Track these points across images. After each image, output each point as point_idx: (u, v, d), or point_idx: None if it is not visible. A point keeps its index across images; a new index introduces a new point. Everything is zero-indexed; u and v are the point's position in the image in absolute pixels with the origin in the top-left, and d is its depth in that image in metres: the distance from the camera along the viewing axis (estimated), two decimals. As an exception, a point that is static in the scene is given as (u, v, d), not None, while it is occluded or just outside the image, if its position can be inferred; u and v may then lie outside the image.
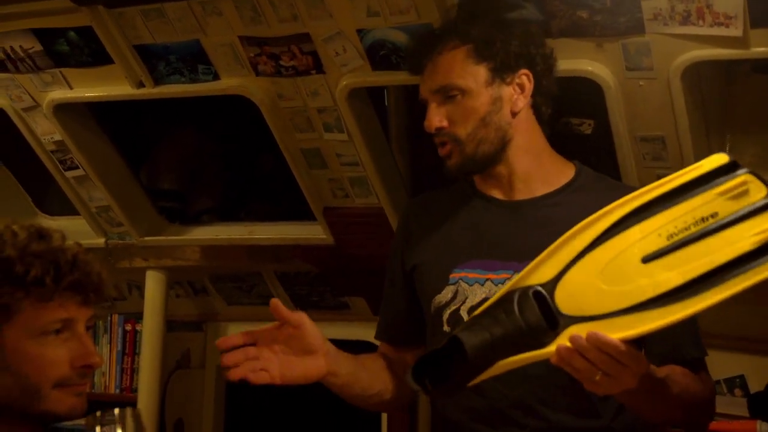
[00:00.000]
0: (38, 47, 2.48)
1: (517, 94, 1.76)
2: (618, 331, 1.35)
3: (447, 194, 1.89)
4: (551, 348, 1.39)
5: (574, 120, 2.61)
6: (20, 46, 2.49)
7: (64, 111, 2.66)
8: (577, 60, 2.06)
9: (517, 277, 1.44)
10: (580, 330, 1.37)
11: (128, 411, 1.45)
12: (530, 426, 1.70)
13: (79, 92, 2.59)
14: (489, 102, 1.74)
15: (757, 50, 1.88)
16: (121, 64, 2.45)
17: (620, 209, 1.40)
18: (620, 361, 1.36)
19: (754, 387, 2.47)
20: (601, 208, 1.54)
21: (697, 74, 2.06)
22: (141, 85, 2.50)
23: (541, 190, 1.78)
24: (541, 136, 1.81)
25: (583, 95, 2.25)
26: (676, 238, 1.35)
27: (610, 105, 2.12)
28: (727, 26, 1.85)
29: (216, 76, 2.43)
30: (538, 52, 1.78)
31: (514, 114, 1.76)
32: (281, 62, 2.33)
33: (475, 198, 1.82)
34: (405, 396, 1.88)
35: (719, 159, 1.37)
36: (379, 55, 2.23)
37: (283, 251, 2.89)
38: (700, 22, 1.87)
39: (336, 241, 2.74)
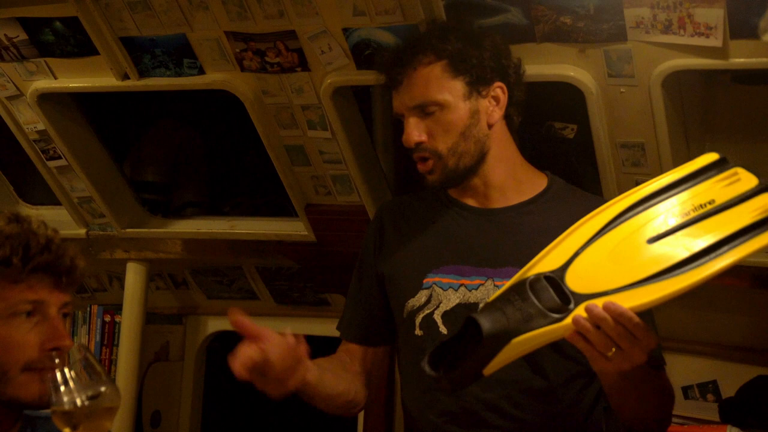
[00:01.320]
0: (23, 36, 2.47)
1: (492, 106, 1.78)
2: (628, 303, 1.38)
3: (421, 200, 1.90)
4: (566, 321, 1.39)
5: (558, 124, 2.64)
6: (5, 35, 2.48)
7: (47, 101, 2.65)
8: (559, 65, 2.08)
9: (525, 267, 1.46)
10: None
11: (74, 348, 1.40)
12: (503, 428, 1.71)
13: (64, 82, 2.59)
14: (467, 115, 1.76)
15: (737, 61, 1.90)
16: (107, 56, 2.45)
17: (620, 203, 1.47)
18: (634, 333, 1.37)
19: (726, 393, 2.49)
20: (572, 216, 1.59)
21: (677, 82, 2.08)
22: (126, 77, 2.50)
23: (515, 199, 1.81)
24: (513, 146, 1.84)
25: (567, 100, 2.27)
26: (677, 223, 1.41)
27: (591, 111, 2.14)
28: (708, 36, 1.87)
29: (201, 71, 2.43)
30: (509, 63, 1.81)
31: (490, 126, 1.79)
32: (266, 58, 2.33)
33: (449, 205, 1.84)
34: (365, 396, 1.88)
35: (711, 156, 1.48)
36: (364, 55, 2.24)
37: (265, 246, 2.90)
38: (681, 32, 1.89)
39: (317, 237, 2.74)
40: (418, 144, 1.77)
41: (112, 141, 2.98)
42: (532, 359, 1.70)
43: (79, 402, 1.32)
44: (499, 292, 1.45)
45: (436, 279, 1.76)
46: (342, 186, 2.60)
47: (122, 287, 3.08)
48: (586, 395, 1.76)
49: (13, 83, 2.63)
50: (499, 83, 1.78)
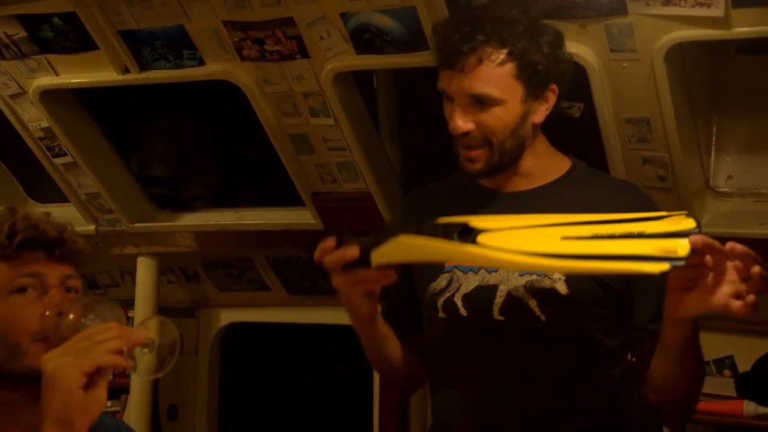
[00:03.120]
0: (23, 33, 2.47)
1: (541, 107, 1.75)
2: (509, 262, 1.46)
3: (446, 185, 1.90)
4: (460, 246, 1.48)
5: (564, 103, 2.61)
6: (5, 33, 2.48)
7: (50, 97, 2.66)
8: (560, 42, 2.05)
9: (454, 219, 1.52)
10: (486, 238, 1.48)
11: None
12: (524, 410, 1.70)
13: (65, 78, 2.59)
14: (519, 116, 1.73)
15: (739, 30, 1.87)
16: (106, 50, 2.44)
17: (570, 218, 1.50)
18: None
19: (743, 367, 2.47)
20: (593, 200, 1.66)
21: (681, 55, 2.05)
22: (126, 71, 2.50)
23: (537, 182, 1.80)
24: (542, 135, 1.82)
25: (573, 78, 2.24)
26: (598, 235, 1.44)
27: (594, 87, 2.12)
28: (709, 6, 1.84)
29: (201, 62, 2.42)
30: (565, 62, 1.76)
31: (534, 125, 1.77)
32: (266, 47, 2.32)
33: (473, 189, 1.83)
34: (405, 374, 1.90)
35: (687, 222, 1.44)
36: (363, 39, 2.22)
37: (273, 236, 2.89)
38: (682, 3, 1.86)
39: (325, 225, 2.73)
40: (467, 133, 1.74)
41: (118, 137, 2.98)
42: (549, 343, 1.69)
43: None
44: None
45: (457, 263, 1.76)
46: (347, 173, 2.59)
47: (134, 282, 3.09)
48: (608, 380, 1.74)
49: (15, 81, 2.63)
50: (553, 86, 1.75)
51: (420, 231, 1.51)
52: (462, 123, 1.72)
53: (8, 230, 1.43)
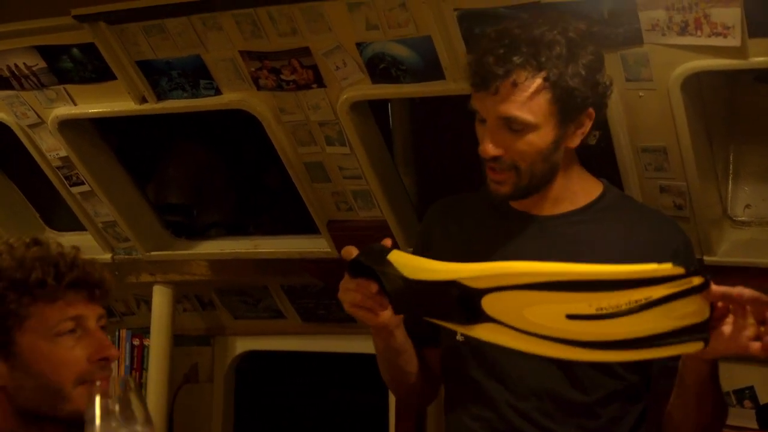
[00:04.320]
0: (42, 64, 2.50)
1: (577, 131, 1.72)
2: (524, 344, 1.49)
3: (471, 201, 1.87)
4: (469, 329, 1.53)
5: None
6: (24, 63, 2.51)
7: (68, 127, 2.68)
8: (576, 71, 2.05)
9: (463, 274, 1.51)
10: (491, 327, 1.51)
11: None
12: None
13: (83, 108, 2.61)
14: (552, 141, 1.69)
15: (756, 60, 1.86)
16: (124, 80, 2.47)
17: (571, 275, 1.46)
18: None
19: (764, 398, 2.44)
20: (623, 228, 1.67)
21: (698, 84, 2.04)
22: (144, 100, 2.51)
23: (566, 207, 1.78)
24: (576, 158, 1.80)
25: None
26: (604, 312, 1.42)
27: (610, 116, 2.10)
28: (725, 36, 1.83)
29: (218, 91, 2.44)
30: (603, 85, 1.72)
31: (567, 149, 1.74)
32: (282, 76, 2.33)
33: (499, 209, 1.81)
34: (433, 391, 1.92)
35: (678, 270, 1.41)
36: (379, 69, 2.23)
37: (289, 265, 2.89)
38: (698, 33, 1.86)
39: (340, 253, 2.73)
40: (496, 158, 1.71)
41: (135, 165, 3.00)
42: (570, 372, 1.68)
43: None
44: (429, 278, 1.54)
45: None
46: (363, 201, 2.59)
47: (149, 310, 3.09)
48: (627, 415, 1.73)
49: (34, 111, 2.66)
50: (590, 110, 1.71)
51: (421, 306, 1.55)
52: (491, 147, 1.69)
53: (54, 271, 1.43)
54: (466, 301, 1.51)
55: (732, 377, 2.45)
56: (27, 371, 1.41)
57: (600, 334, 1.43)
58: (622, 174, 2.21)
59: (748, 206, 2.28)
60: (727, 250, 2.23)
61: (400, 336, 1.76)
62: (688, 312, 1.39)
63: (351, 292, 1.62)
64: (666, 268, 1.38)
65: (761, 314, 1.40)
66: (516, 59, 1.64)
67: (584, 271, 1.45)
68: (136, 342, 3.23)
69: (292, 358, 3.48)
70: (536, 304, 1.46)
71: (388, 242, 1.61)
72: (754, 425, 2.41)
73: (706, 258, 2.22)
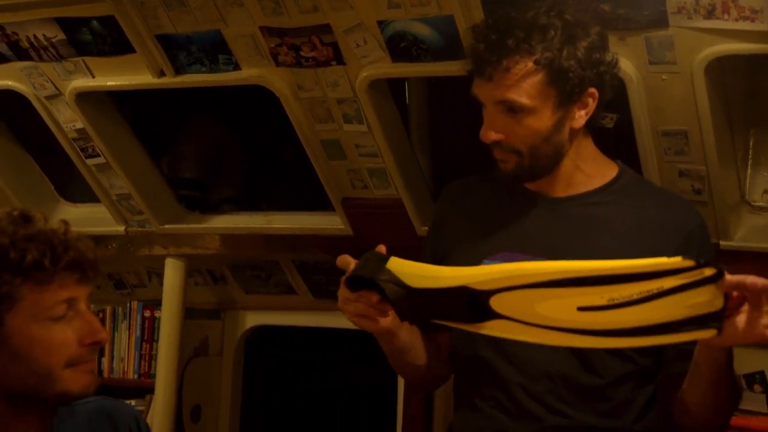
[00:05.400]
0: (61, 36, 2.49)
1: (580, 112, 1.71)
2: (535, 336, 1.51)
3: (486, 182, 1.87)
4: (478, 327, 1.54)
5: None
6: (43, 35, 2.50)
7: (86, 99, 2.68)
8: (599, 53, 2.04)
9: (469, 280, 1.51)
10: (501, 323, 1.51)
11: None
12: (548, 421, 1.70)
13: (101, 81, 2.61)
14: (553, 123, 1.69)
15: (783, 45, 1.86)
16: (143, 54, 2.46)
17: (580, 273, 1.46)
18: None
19: (774, 383, 2.45)
20: (637, 210, 1.66)
21: (720, 69, 2.03)
22: (162, 74, 2.51)
23: (580, 188, 1.78)
24: (589, 140, 1.79)
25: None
26: (615, 302, 1.43)
27: (632, 99, 2.11)
28: (753, 20, 1.82)
29: (236, 67, 2.43)
30: (606, 64, 1.71)
31: (573, 130, 1.73)
32: (301, 53, 2.33)
33: (514, 191, 1.81)
34: (433, 376, 1.91)
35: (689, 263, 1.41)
36: (400, 47, 2.22)
37: (301, 241, 2.90)
38: (725, 16, 1.85)
39: (354, 231, 2.74)
40: (496, 142, 1.72)
41: (150, 138, 3.00)
42: (582, 355, 1.68)
43: None
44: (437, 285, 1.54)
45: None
46: (378, 179, 2.59)
47: (161, 283, 3.10)
48: (638, 397, 1.73)
49: (52, 83, 2.65)
50: (591, 90, 1.70)
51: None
52: (490, 133, 1.71)
53: (51, 253, 1.36)
54: (473, 302, 1.50)
55: (742, 362, 2.45)
56: (15, 355, 1.37)
57: (612, 322, 1.44)
58: (642, 157, 2.21)
59: (766, 191, 2.28)
60: (744, 235, 2.24)
61: (404, 336, 1.75)
62: (701, 301, 1.39)
63: (352, 303, 1.61)
64: (676, 261, 1.38)
65: None
66: (508, 44, 1.66)
67: (593, 267, 1.45)
68: (147, 314, 3.25)
69: (302, 333, 3.49)
70: (547, 300, 1.47)
71: (382, 248, 1.60)
72: (764, 409, 2.42)
73: (722, 243, 2.22)
